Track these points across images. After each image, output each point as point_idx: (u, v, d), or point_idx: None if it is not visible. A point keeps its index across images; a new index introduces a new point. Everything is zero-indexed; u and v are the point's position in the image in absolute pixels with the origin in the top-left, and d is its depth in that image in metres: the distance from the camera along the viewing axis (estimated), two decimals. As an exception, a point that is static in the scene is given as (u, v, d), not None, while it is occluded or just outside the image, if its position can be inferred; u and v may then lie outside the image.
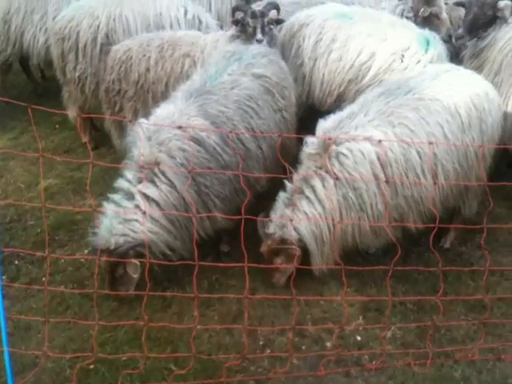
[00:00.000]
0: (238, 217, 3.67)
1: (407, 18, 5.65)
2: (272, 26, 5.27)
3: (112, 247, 3.94)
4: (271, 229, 4.11)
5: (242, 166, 4.14)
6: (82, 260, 4.61)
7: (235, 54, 4.63)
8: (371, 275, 4.24)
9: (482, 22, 5.30)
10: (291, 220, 3.96)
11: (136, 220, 3.95)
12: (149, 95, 5.32)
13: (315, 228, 3.99)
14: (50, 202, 5.28)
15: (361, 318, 4.08)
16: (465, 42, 5.45)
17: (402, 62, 5.03)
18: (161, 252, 4.03)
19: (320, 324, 3.98)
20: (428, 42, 5.05)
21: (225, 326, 3.92)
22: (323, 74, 5.30)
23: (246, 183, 4.19)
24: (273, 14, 5.32)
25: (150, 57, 5.27)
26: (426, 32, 5.16)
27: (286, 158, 4.15)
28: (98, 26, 6.02)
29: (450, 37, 5.74)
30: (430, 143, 3.74)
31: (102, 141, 6.37)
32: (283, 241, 4.06)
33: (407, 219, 4.09)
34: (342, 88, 5.24)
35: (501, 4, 5.27)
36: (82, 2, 6.46)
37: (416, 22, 5.51)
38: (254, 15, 5.11)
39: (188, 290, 4.31)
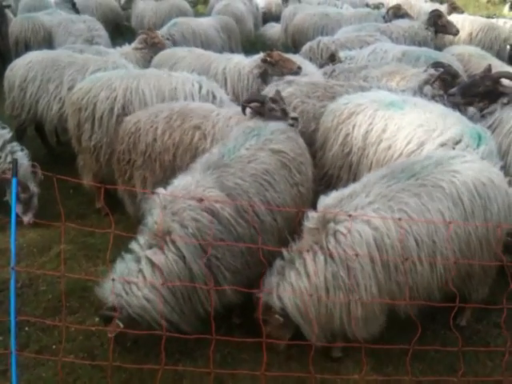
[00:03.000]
0: (256, 290, 3.67)
1: (438, 96, 5.74)
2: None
3: (108, 305, 3.97)
4: (259, 292, 4.03)
5: (256, 238, 4.14)
6: (93, 328, 4.55)
7: (254, 130, 4.77)
8: (387, 353, 4.16)
9: (477, 91, 5.47)
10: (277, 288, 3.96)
11: (136, 284, 3.95)
12: (156, 164, 5.43)
13: (300, 301, 3.92)
14: (61, 268, 5.25)
15: (378, 397, 3.99)
16: (455, 102, 5.55)
17: None
18: (154, 321, 3.98)
19: (337, 403, 3.88)
20: (480, 137, 4.87)
21: (239, 403, 3.82)
22: (371, 163, 5.21)
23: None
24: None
25: (157, 127, 5.41)
26: (478, 127, 5.06)
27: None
28: (115, 98, 6.27)
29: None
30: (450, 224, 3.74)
31: (115, 207, 6.40)
32: (268, 307, 4.01)
33: (398, 305, 3.99)
34: None
35: (504, 81, 5.44)
36: (98, 74, 6.76)
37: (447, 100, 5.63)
38: (274, 100, 5.28)
39: (200, 363, 4.23)
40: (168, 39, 10.23)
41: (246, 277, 4.28)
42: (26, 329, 4.55)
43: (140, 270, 3.97)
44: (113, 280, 3.84)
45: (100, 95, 6.28)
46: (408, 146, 5.01)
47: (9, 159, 6.12)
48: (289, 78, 6.60)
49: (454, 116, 5.19)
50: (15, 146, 6.30)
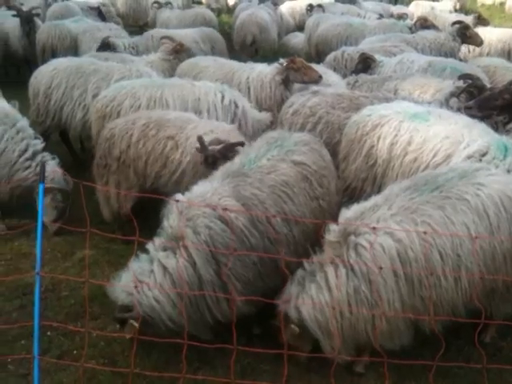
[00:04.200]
0: (274, 300, 3.62)
1: (467, 108, 5.64)
2: None
3: (119, 304, 4.05)
4: (279, 302, 4.00)
5: (270, 250, 4.15)
6: (114, 335, 4.56)
7: (277, 141, 4.74)
8: (410, 368, 4.10)
9: (495, 104, 5.39)
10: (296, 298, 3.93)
11: (147, 284, 3.99)
12: (130, 170, 5.61)
13: (320, 315, 3.88)
14: (84, 274, 5.29)
15: (400, 413, 3.92)
16: (472, 115, 5.44)
17: None
18: (164, 323, 4.02)
19: (357, 417, 3.83)
20: (506, 149, 4.76)
21: (259, 414, 3.80)
22: (397, 175, 5.13)
23: (274, 268, 4.23)
24: None
25: (132, 134, 5.55)
26: (504, 138, 4.94)
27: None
28: (139, 106, 6.41)
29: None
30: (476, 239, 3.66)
31: (138, 213, 6.41)
32: (286, 317, 3.96)
33: (422, 322, 3.92)
34: None
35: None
36: (123, 83, 6.89)
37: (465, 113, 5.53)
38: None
39: (220, 372, 4.22)
40: (133, 48, 10.34)
41: (260, 289, 4.23)
42: (48, 333, 4.59)
43: (152, 271, 4.03)
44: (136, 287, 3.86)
45: (124, 103, 6.43)
46: (434, 159, 4.95)
47: (39, 169, 6.16)
48: (314, 88, 6.62)
49: (479, 127, 5.12)
50: (46, 155, 6.35)
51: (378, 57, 8.57)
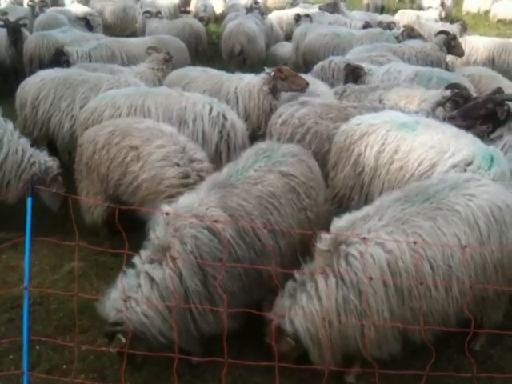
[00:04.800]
0: (267, 313, 3.58)
1: (451, 118, 5.67)
2: None
3: (110, 321, 3.99)
4: (271, 315, 3.98)
5: (256, 261, 4.14)
6: (104, 348, 4.52)
7: (266, 152, 4.75)
8: (401, 378, 4.08)
9: (478, 114, 5.45)
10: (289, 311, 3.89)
11: (135, 299, 3.94)
12: (94, 175, 5.63)
13: (311, 325, 3.87)
14: (73, 286, 5.25)
15: (391, 423, 3.92)
16: (456, 125, 5.47)
17: None
18: (155, 338, 3.98)
19: (348, 429, 3.82)
20: (492, 159, 4.79)
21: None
22: (383, 183, 5.18)
23: (259, 279, 4.24)
24: None
25: (97, 141, 5.58)
26: (491, 148, 4.97)
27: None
28: (120, 116, 6.36)
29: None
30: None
31: (126, 225, 6.38)
32: (280, 330, 3.94)
33: (411, 332, 3.93)
34: None
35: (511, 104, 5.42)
36: (106, 93, 6.89)
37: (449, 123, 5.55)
38: None
39: (211, 386, 4.20)
40: (86, 58, 10.22)
41: (243, 301, 4.21)
42: (37, 347, 4.54)
43: (139, 285, 3.99)
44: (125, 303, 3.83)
45: (104, 114, 6.43)
46: (419, 168, 4.98)
47: (42, 161, 6.21)
48: (303, 98, 6.65)
49: (466, 137, 5.14)
50: (35, 150, 6.39)
51: (366, 65, 8.63)
